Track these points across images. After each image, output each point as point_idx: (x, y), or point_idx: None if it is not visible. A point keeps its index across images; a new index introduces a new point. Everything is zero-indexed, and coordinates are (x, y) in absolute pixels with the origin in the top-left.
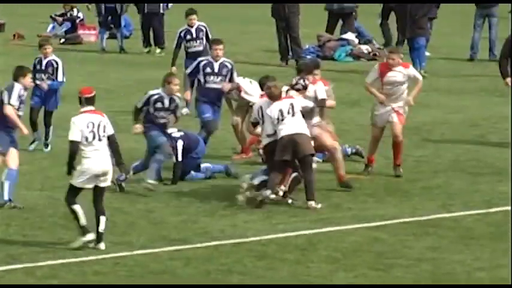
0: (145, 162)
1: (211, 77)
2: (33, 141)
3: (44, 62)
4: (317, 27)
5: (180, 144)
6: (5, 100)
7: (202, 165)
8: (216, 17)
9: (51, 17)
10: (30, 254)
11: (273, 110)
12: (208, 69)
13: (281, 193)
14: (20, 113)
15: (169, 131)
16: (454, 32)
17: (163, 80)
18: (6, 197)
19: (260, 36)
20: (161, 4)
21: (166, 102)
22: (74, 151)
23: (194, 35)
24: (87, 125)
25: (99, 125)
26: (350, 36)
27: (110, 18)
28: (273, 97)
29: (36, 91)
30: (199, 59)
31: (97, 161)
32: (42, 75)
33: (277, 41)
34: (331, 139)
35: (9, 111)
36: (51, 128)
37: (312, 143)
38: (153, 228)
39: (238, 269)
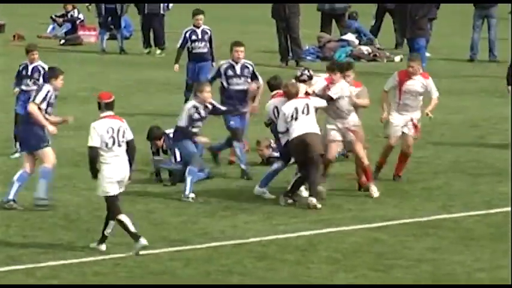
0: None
1: (234, 79)
2: (16, 151)
3: (30, 68)
4: (317, 28)
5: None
6: (31, 98)
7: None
8: (216, 17)
9: (51, 17)
10: (30, 255)
11: (288, 107)
12: (230, 72)
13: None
14: (47, 115)
15: (167, 131)
16: (453, 33)
17: (196, 90)
18: (42, 195)
19: (260, 37)
20: (161, 5)
21: (203, 112)
22: (93, 157)
23: (200, 36)
24: (107, 131)
25: (118, 130)
26: (350, 37)
27: (110, 19)
28: (290, 95)
29: (21, 98)
30: (221, 62)
31: (117, 167)
32: (28, 81)
33: (277, 41)
34: (362, 148)
35: (31, 109)
36: None
37: (339, 146)
38: (153, 229)
39: (238, 270)
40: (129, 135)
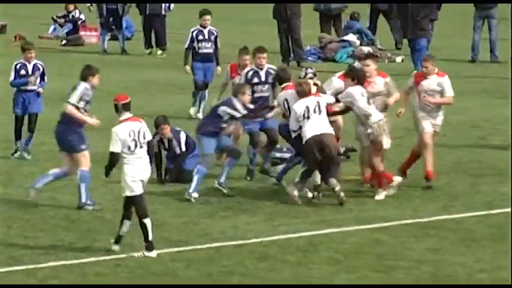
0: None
1: (259, 86)
2: (15, 151)
3: (30, 67)
4: (318, 28)
5: (183, 135)
6: (68, 98)
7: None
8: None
9: (52, 18)
10: (31, 256)
11: (299, 106)
12: (255, 79)
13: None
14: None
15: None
16: (454, 34)
17: (237, 91)
18: (84, 200)
19: (261, 38)
20: (163, 5)
21: (238, 114)
22: (114, 162)
23: (206, 36)
24: (129, 134)
25: (139, 132)
26: (351, 37)
27: (111, 19)
28: (303, 94)
29: (20, 98)
30: (246, 69)
31: (141, 168)
32: (31, 78)
33: (278, 42)
34: (387, 143)
35: (67, 109)
36: (34, 134)
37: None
38: (155, 229)
39: (239, 271)
40: (148, 136)
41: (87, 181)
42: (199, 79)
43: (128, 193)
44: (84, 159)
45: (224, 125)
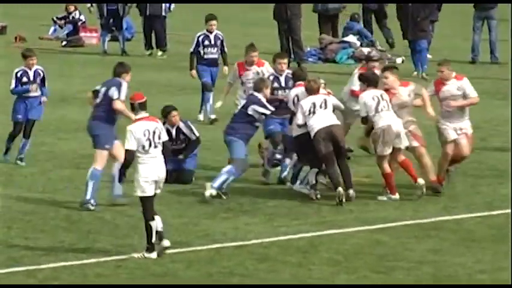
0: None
1: (279, 92)
2: (7, 150)
3: (31, 73)
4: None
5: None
6: (115, 96)
7: None
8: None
9: (53, 19)
10: (31, 257)
11: (306, 102)
12: (275, 84)
13: (343, 199)
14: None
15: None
16: (455, 35)
17: (259, 86)
18: (88, 197)
19: (262, 39)
20: (163, 7)
21: (269, 111)
22: (129, 160)
23: (212, 42)
24: (143, 133)
25: (154, 132)
26: (352, 38)
27: (111, 20)
28: (311, 90)
29: (22, 104)
30: (266, 75)
31: (154, 168)
32: (30, 87)
33: (279, 43)
34: (421, 143)
35: (119, 106)
36: (29, 140)
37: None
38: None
39: (239, 272)
40: (164, 136)
41: (96, 180)
42: (208, 80)
43: (139, 193)
44: (101, 159)
45: (258, 125)
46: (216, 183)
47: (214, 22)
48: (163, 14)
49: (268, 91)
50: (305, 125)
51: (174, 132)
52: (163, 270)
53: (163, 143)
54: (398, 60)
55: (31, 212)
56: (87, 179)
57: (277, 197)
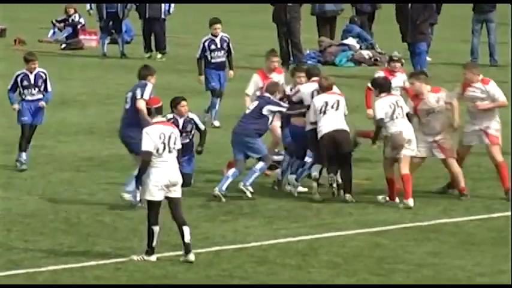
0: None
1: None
2: (21, 163)
3: (32, 77)
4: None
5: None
6: (138, 95)
7: None
8: None
9: (52, 22)
10: (31, 260)
11: (319, 100)
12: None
13: (335, 185)
14: None
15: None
16: (454, 38)
17: (273, 90)
18: (129, 189)
19: (261, 42)
20: (162, 9)
21: (284, 108)
22: (147, 161)
23: (219, 45)
24: (159, 136)
25: (170, 137)
26: (351, 41)
27: (111, 23)
28: (322, 88)
29: (25, 108)
30: (285, 85)
31: (165, 172)
32: (33, 90)
33: (278, 46)
34: (448, 155)
35: (142, 105)
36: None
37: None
38: None
39: (239, 274)
40: (179, 144)
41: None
42: (216, 85)
43: (147, 196)
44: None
45: (271, 120)
46: (249, 181)
47: (218, 26)
48: (163, 16)
49: (279, 97)
50: (315, 122)
51: (181, 122)
52: (163, 273)
53: (178, 150)
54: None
55: (31, 215)
56: (132, 173)
57: (277, 199)
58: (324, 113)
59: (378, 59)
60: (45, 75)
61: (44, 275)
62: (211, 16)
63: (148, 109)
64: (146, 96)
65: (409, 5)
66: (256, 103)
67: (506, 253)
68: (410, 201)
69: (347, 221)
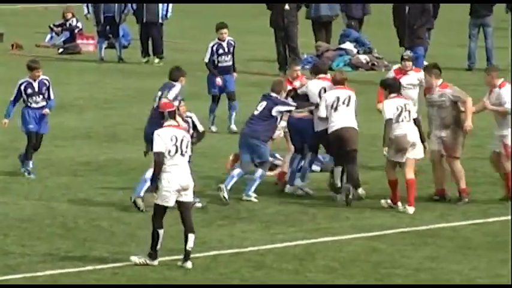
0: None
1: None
2: (29, 172)
3: (36, 84)
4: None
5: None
6: (164, 95)
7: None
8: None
9: (49, 27)
10: (28, 264)
11: (330, 95)
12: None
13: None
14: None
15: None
16: (451, 42)
17: (279, 89)
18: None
19: (258, 46)
20: (160, 14)
21: (293, 108)
22: (160, 162)
23: (226, 50)
24: (170, 138)
25: (182, 140)
26: (348, 46)
27: (108, 27)
28: (334, 81)
29: (31, 115)
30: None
31: (176, 176)
32: (37, 98)
33: (275, 50)
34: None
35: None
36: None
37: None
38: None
39: (236, 279)
40: (190, 150)
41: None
42: (217, 92)
43: (159, 202)
44: None
45: (278, 125)
46: (251, 190)
47: (225, 30)
48: (160, 21)
49: (284, 95)
50: (326, 118)
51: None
52: (160, 278)
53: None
54: (395, 68)
55: (28, 220)
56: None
57: (274, 204)
58: (336, 109)
59: (375, 63)
60: (49, 82)
61: (41, 279)
62: (208, 21)
63: (161, 113)
64: (170, 96)
65: (406, 9)
66: (264, 104)
67: (503, 258)
68: (411, 209)
69: (344, 226)
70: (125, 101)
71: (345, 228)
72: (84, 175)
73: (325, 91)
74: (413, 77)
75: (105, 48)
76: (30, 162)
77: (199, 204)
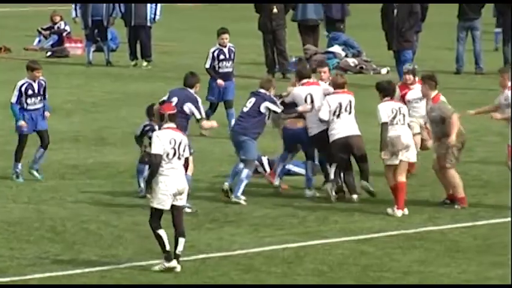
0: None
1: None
2: (17, 175)
3: (36, 85)
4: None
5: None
6: (197, 115)
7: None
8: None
9: (37, 30)
10: (17, 267)
11: (333, 100)
12: (221, 56)
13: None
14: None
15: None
16: (439, 45)
17: (268, 86)
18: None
19: (247, 50)
20: (148, 17)
21: (279, 109)
22: (157, 164)
23: (227, 55)
24: (169, 141)
25: (180, 143)
26: (336, 49)
27: (96, 31)
28: (335, 85)
29: (26, 117)
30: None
31: (174, 180)
32: (36, 99)
33: (263, 54)
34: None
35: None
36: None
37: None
38: (140, 241)
39: (225, 282)
40: (187, 153)
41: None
42: (214, 100)
43: (155, 204)
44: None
45: (267, 122)
46: (240, 191)
47: (226, 36)
48: (148, 24)
49: (273, 93)
50: (327, 121)
51: None
52: (149, 281)
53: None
54: (383, 71)
55: (16, 223)
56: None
57: (262, 207)
58: (338, 116)
59: (364, 66)
60: (45, 83)
61: (30, 283)
62: (196, 24)
63: (161, 115)
64: (203, 113)
65: (395, 12)
66: (253, 100)
67: (491, 260)
68: (399, 212)
69: (333, 229)
70: (113, 104)
71: (334, 232)
72: (72, 178)
73: (311, 97)
74: (418, 91)
75: (93, 51)
76: (19, 165)
77: (188, 210)
